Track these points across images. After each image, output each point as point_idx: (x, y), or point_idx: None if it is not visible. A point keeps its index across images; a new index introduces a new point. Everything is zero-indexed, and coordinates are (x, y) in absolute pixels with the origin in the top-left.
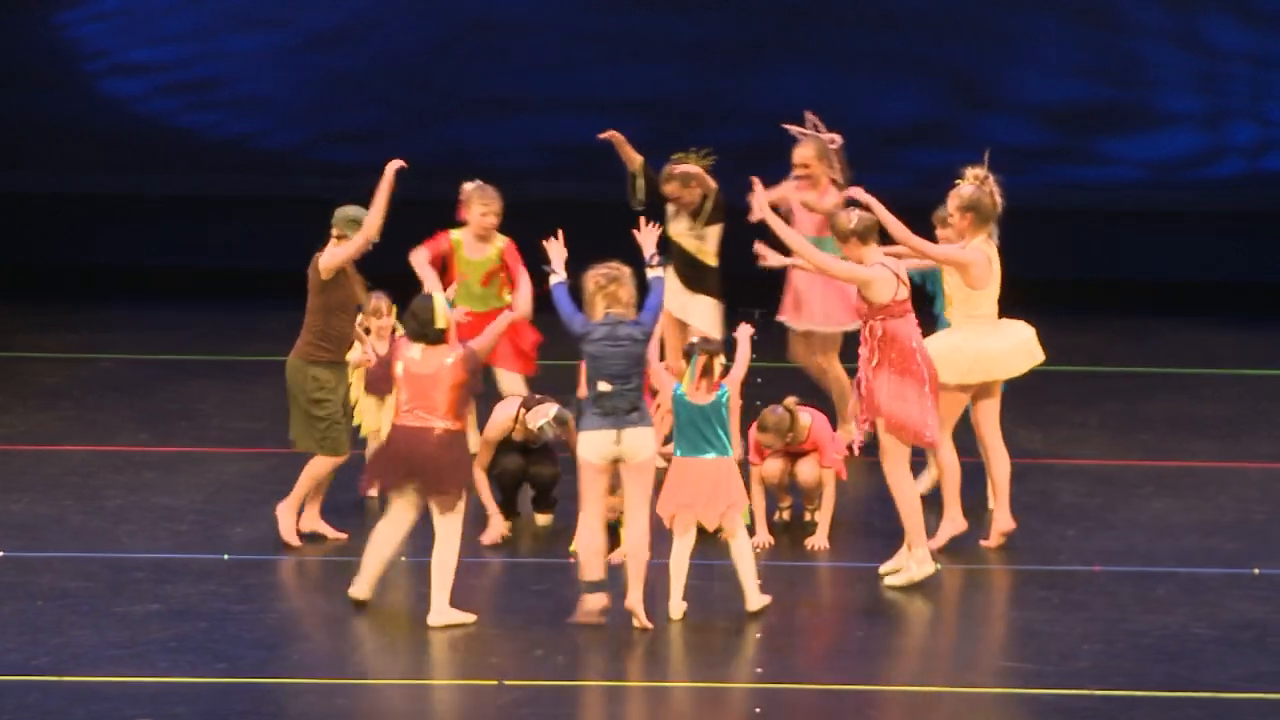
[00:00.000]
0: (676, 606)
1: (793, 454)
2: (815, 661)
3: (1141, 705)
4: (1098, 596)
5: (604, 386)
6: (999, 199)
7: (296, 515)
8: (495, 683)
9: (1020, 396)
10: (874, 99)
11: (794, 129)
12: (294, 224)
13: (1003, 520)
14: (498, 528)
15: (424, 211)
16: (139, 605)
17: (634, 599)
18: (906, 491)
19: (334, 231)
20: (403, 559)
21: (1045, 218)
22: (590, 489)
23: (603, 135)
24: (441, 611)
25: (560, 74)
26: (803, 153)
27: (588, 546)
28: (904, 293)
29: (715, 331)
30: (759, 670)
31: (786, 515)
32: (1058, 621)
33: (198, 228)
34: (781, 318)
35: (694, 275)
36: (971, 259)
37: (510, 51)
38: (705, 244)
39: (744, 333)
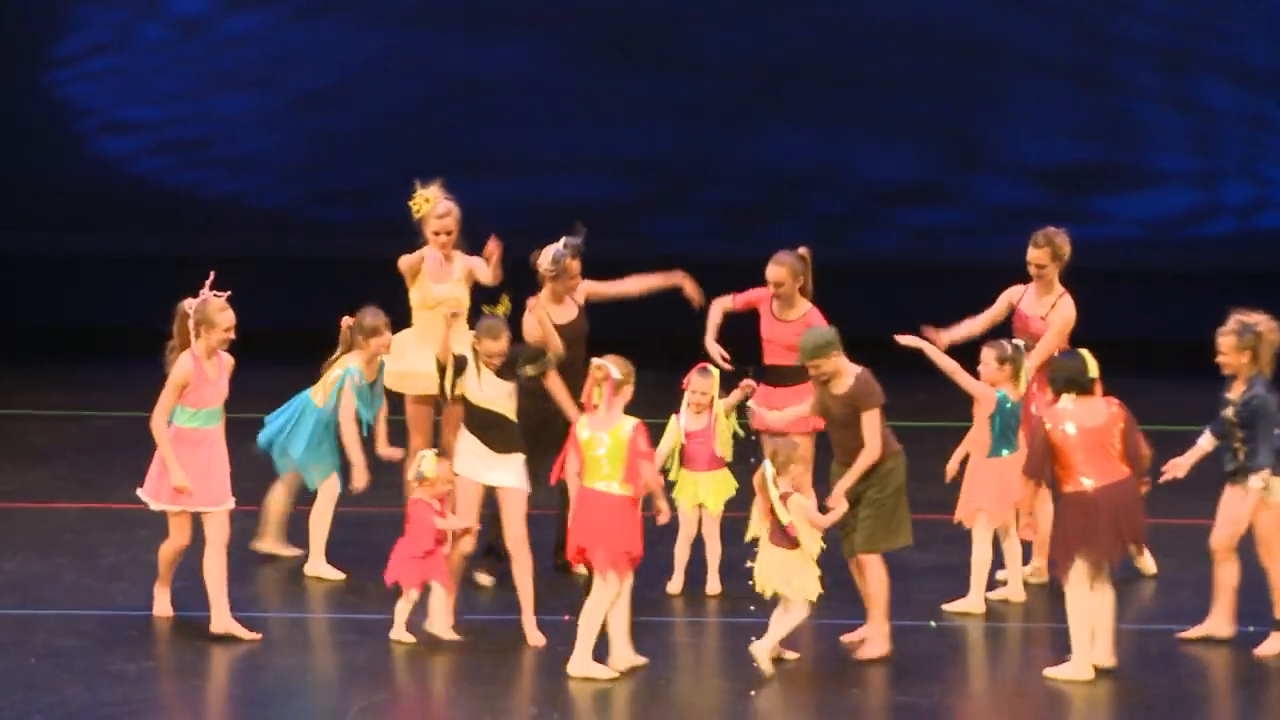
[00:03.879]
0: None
1: None
2: None
3: None
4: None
5: None
6: None
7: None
8: None
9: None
10: (868, 159)
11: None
12: (285, 282)
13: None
14: None
15: None
16: (133, 663)
17: None
18: None
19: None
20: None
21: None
22: None
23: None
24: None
25: (551, 134)
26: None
27: None
28: None
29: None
30: None
31: None
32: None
33: (189, 286)
34: None
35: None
36: None
37: (500, 111)
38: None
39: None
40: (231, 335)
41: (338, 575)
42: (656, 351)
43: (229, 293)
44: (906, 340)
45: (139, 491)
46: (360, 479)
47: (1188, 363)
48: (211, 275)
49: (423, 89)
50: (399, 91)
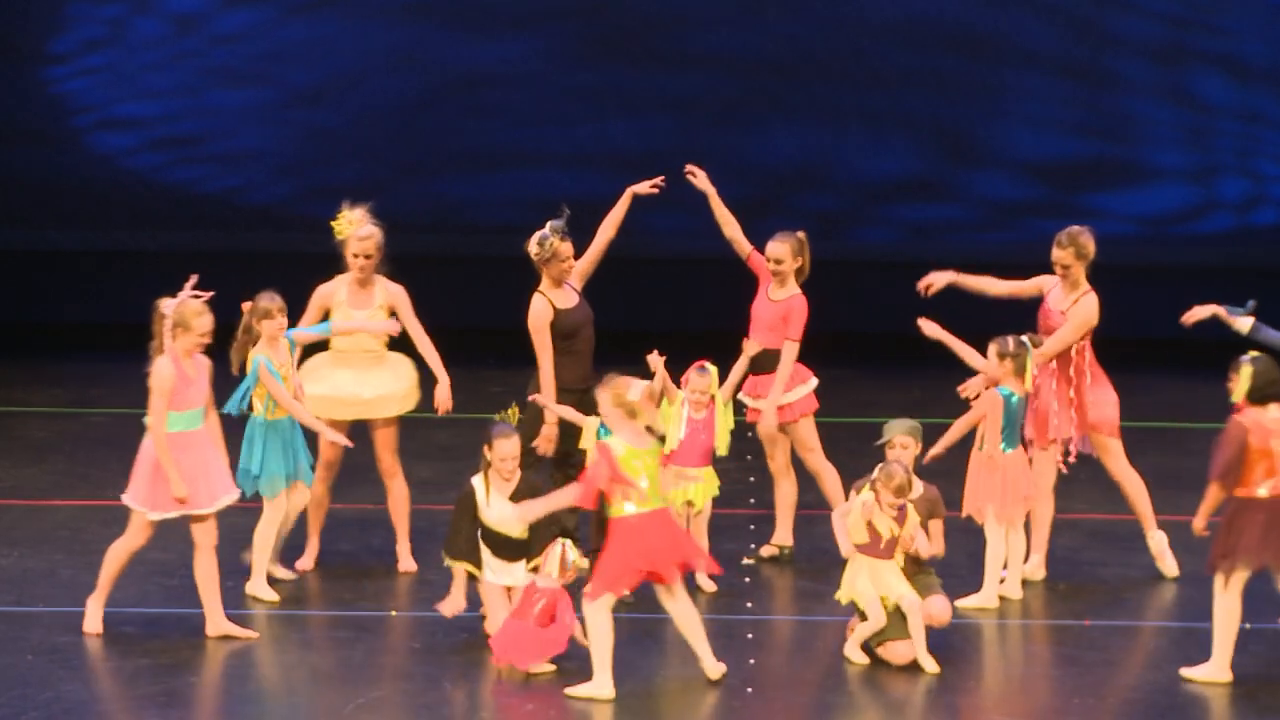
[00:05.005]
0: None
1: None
2: (806, 716)
3: None
4: (1089, 650)
5: None
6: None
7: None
8: None
9: None
10: (862, 155)
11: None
12: (281, 278)
13: None
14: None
15: (406, 266)
16: (129, 660)
17: None
18: (1134, 477)
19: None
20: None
21: (1033, 273)
22: None
23: None
24: None
25: (546, 128)
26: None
27: None
28: None
29: None
30: None
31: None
32: (1049, 675)
33: (184, 282)
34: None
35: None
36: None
37: (495, 106)
38: None
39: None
40: (207, 340)
41: (273, 596)
42: (655, 347)
43: (212, 293)
44: (930, 329)
45: (128, 499)
46: (331, 434)
47: (1184, 360)
48: (194, 277)
49: (419, 84)
50: (396, 87)
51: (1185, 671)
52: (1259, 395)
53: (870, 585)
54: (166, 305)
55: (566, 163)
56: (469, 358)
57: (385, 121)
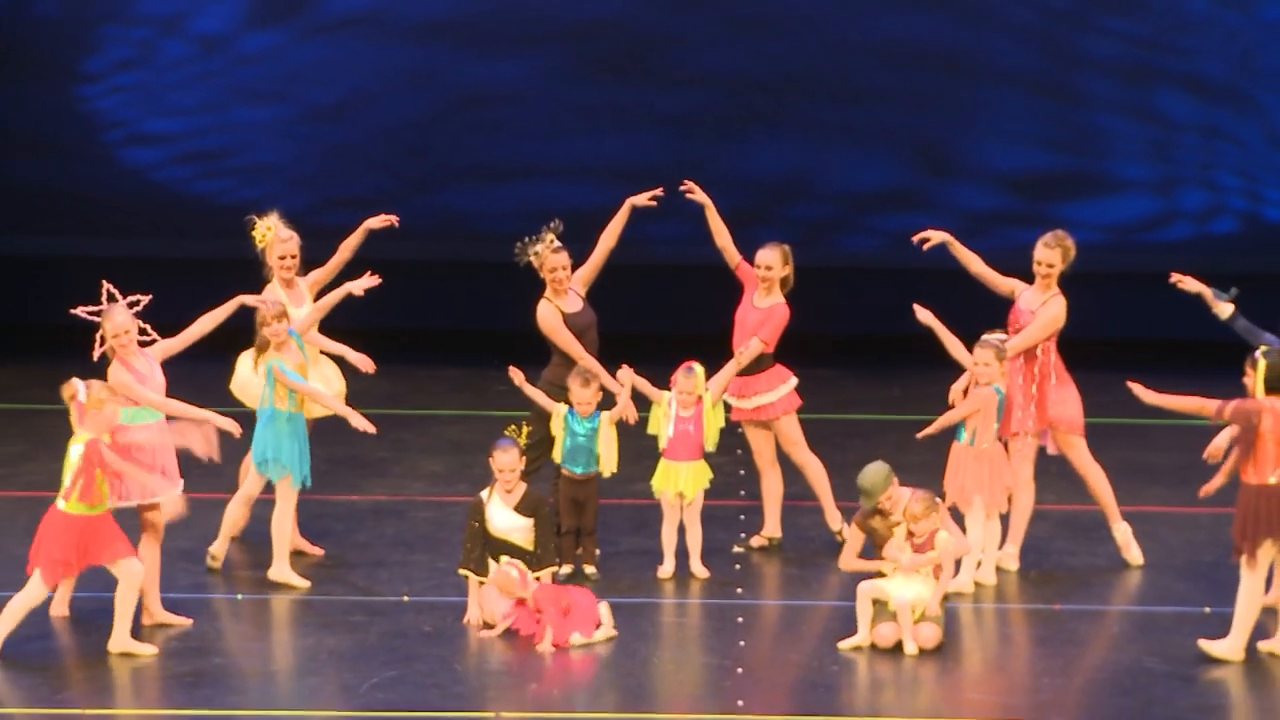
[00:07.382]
0: None
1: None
2: (792, 694)
3: None
4: (1058, 633)
5: None
6: None
7: None
8: (493, 715)
9: None
10: (845, 168)
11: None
12: None
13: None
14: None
15: (418, 272)
16: (157, 642)
17: None
18: (1097, 471)
19: None
20: None
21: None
22: None
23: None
24: None
25: (548, 143)
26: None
27: None
28: None
29: None
30: (740, 703)
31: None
32: (1021, 656)
33: (209, 289)
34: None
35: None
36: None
37: (501, 123)
38: None
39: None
40: (122, 339)
41: (302, 583)
42: (651, 348)
43: (136, 298)
44: (924, 316)
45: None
46: (358, 420)
47: (1147, 359)
48: (104, 283)
49: (430, 103)
50: (408, 105)
51: (1204, 644)
52: (1275, 386)
53: (880, 592)
54: (88, 315)
55: (568, 176)
56: (476, 358)
57: (398, 137)
